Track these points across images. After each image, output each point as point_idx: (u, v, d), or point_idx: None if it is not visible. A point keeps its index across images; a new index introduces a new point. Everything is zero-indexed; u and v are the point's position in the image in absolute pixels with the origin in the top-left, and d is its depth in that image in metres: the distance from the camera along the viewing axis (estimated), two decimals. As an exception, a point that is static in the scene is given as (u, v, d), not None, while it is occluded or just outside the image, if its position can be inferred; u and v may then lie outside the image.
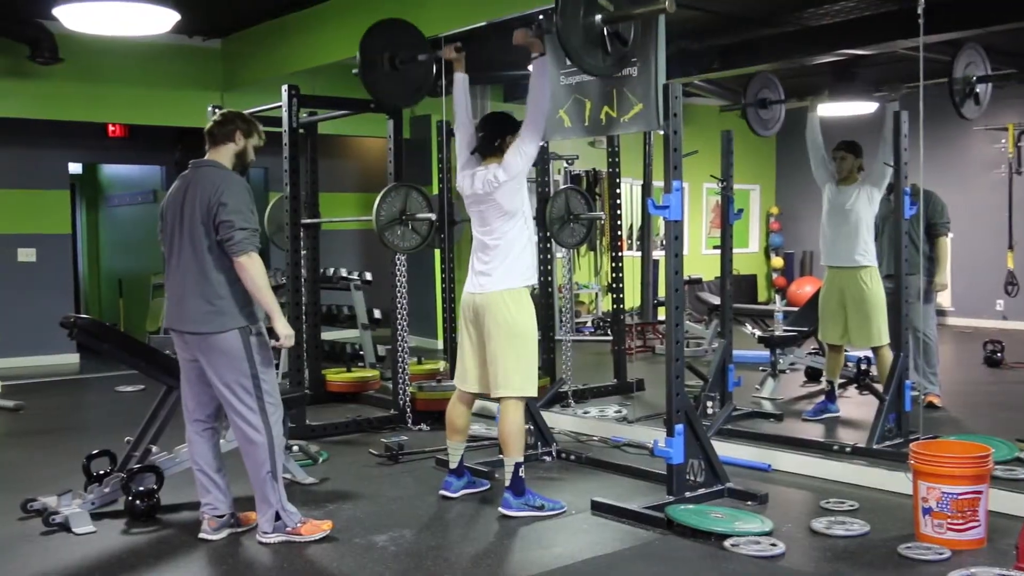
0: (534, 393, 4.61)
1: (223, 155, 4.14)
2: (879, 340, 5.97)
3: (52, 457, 5.84)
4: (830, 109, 9.58)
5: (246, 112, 4.34)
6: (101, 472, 4.60)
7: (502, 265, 4.50)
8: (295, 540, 4.08)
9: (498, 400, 4.57)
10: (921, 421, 5.36)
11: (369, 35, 5.24)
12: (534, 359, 4.57)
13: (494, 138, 4.59)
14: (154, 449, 4.64)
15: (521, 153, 4.46)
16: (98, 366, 9.45)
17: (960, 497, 3.87)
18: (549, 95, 4.57)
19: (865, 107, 9.13)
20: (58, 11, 6.27)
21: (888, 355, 5.73)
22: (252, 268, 3.95)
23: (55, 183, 10.28)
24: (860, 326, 6.07)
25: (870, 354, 6.44)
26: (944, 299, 10.54)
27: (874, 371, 6.53)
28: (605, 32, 4.32)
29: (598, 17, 4.31)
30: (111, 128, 10.48)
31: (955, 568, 3.63)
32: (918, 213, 5.49)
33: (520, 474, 4.47)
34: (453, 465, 4.81)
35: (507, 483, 4.49)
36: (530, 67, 4.57)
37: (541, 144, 4.64)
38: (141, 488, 4.47)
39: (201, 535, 4.16)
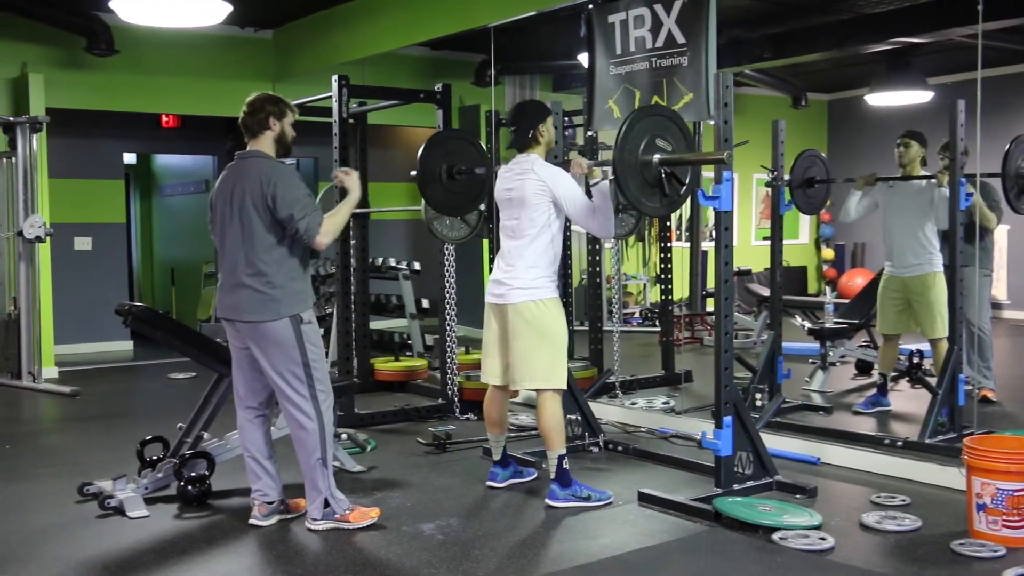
0: (562, 385, 4.57)
1: (263, 144, 4.17)
2: (941, 331, 5.86)
3: (107, 442, 5.95)
4: (883, 98, 9.47)
5: (295, 102, 4.36)
6: (154, 458, 4.67)
7: (524, 275, 4.49)
8: (343, 527, 4.12)
9: (532, 392, 4.58)
10: (975, 415, 5.28)
11: (429, 146, 5.26)
12: (562, 352, 4.56)
13: (527, 129, 4.59)
14: (206, 436, 4.71)
15: (563, 196, 4.45)
16: (151, 353, 9.61)
17: (1016, 494, 3.80)
18: (612, 215, 4.53)
19: (919, 96, 8.99)
20: (114, 3, 6.37)
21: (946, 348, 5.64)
22: (329, 235, 4.07)
23: (110, 173, 10.46)
24: (924, 315, 5.98)
25: (922, 347, 6.35)
26: (1000, 292, 10.34)
27: (927, 364, 6.45)
28: (663, 173, 4.30)
29: (656, 157, 4.28)
30: (164, 119, 10.64)
31: (1010, 566, 3.57)
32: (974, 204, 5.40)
33: (564, 465, 4.47)
34: (496, 457, 4.83)
35: (552, 475, 4.49)
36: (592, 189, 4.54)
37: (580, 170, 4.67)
38: (193, 474, 4.54)
39: (251, 521, 4.22)
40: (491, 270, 7.42)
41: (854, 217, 6.33)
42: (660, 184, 4.32)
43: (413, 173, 5.26)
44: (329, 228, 4.07)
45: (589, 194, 4.51)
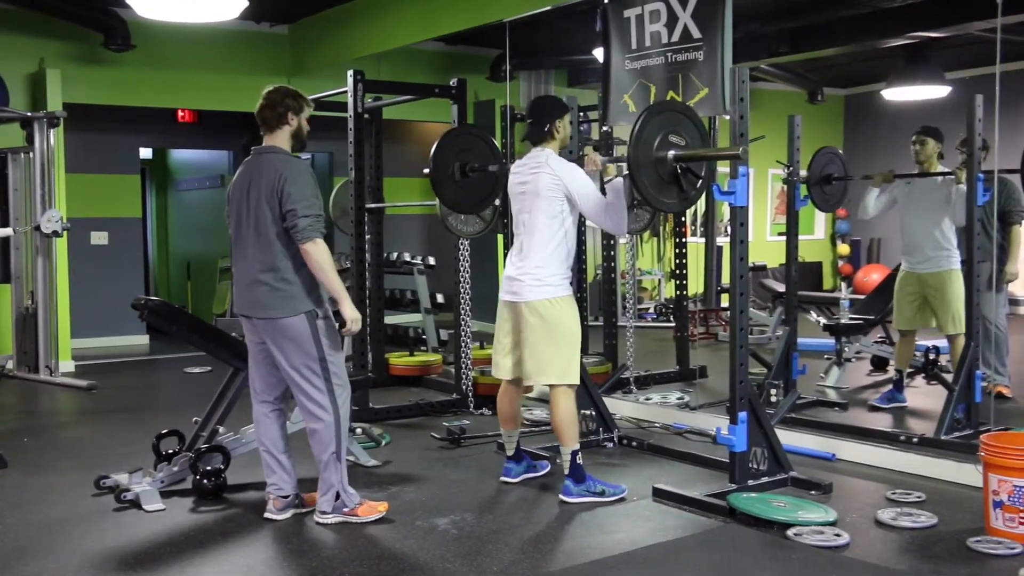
0: (575, 381, 4.56)
1: (280, 139, 4.17)
2: (957, 327, 5.83)
3: (123, 436, 5.98)
4: (900, 93, 9.41)
5: (310, 97, 4.36)
6: (170, 451, 4.70)
7: (538, 271, 4.47)
8: (352, 521, 4.12)
9: (539, 388, 4.57)
10: (992, 412, 5.25)
11: (441, 143, 5.23)
12: (576, 348, 4.55)
13: (543, 123, 4.58)
14: (221, 429, 4.72)
15: (578, 192, 4.43)
16: (167, 347, 9.65)
17: (1032, 491, 3.78)
18: (625, 212, 4.50)
19: (936, 91, 8.93)
20: (131, -1, 6.39)
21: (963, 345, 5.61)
22: (317, 254, 3.99)
23: (127, 168, 10.50)
24: (940, 311, 5.95)
25: (939, 343, 6.32)
26: (1017, 288, 10.27)
27: (943, 360, 6.42)
28: (678, 169, 4.30)
29: (671, 154, 4.27)
30: (180, 114, 10.67)
31: (1026, 563, 3.56)
32: (991, 200, 5.37)
33: (578, 461, 4.47)
34: (510, 452, 4.83)
35: (566, 471, 4.49)
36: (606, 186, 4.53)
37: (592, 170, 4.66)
38: (208, 468, 4.55)
39: (266, 515, 4.23)
40: (506, 265, 7.48)
41: (872, 214, 6.31)
42: (676, 180, 4.31)
43: (426, 171, 5.24)
44: (322, 258, 3.98)
45: (603, 191, 4.50)
